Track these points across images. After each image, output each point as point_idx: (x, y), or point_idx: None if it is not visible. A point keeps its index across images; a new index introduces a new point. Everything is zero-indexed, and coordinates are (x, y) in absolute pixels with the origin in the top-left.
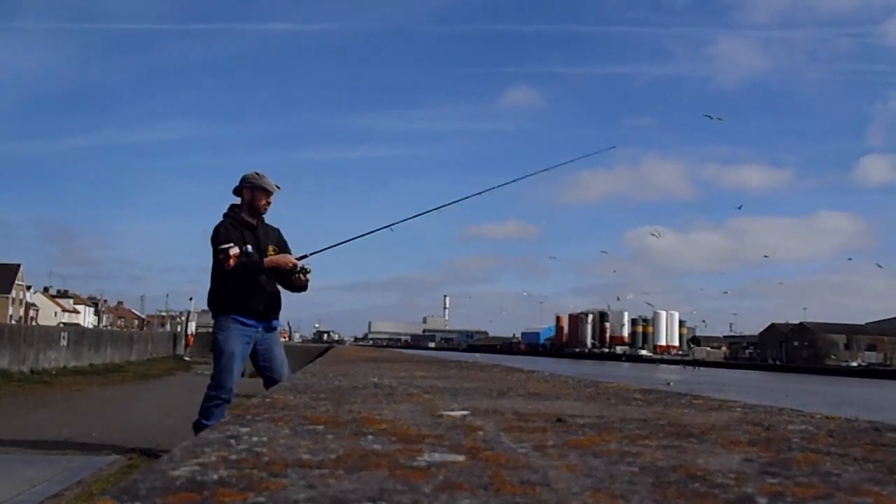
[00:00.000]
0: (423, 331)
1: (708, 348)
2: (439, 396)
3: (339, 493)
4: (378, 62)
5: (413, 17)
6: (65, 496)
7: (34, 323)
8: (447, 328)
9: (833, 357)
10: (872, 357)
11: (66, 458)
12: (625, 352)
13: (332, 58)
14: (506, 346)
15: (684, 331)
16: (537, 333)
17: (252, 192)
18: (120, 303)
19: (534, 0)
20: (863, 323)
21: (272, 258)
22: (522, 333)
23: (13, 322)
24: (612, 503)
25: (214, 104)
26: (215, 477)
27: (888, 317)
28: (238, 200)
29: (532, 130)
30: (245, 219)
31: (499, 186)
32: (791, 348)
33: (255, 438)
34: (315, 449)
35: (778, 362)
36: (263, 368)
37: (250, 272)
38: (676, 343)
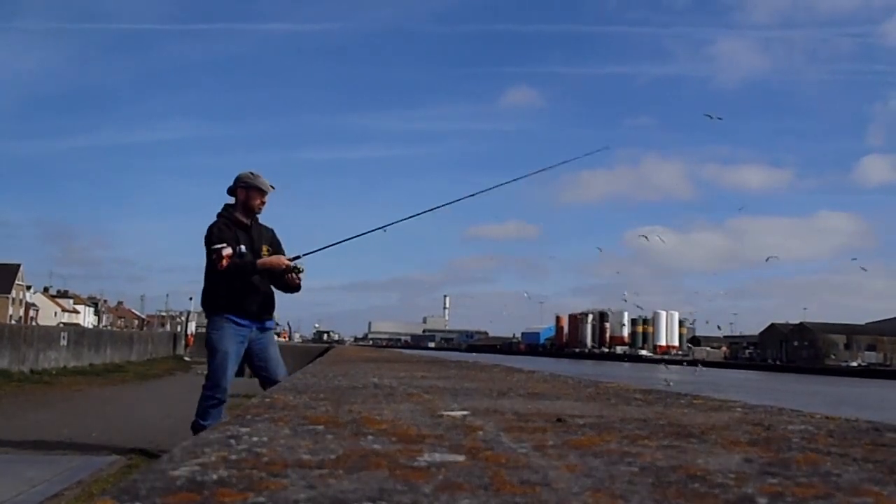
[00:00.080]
0: (423, 331)
1: (708, 348)
2: (439, 396)
3: (339, 493)
4: (378, 62)
5: (413, 17)
6: (65, 496)
7: (34, 323)
8: (447, 328)
9: (833, 357)
10: (872, 357)
11: (66, 458)
12: (625, 352)
13: (332, 58)
14: (506, 346)
15: (684, 331)
16: (537, 333)
17: (246, 191)
18: (120, 303)
19: (534, 0)
20: (863, 323)
21: (265, 260)
22: (522, 333)
23: (13, 322)
24: (612, 503)
25: (214, 104)
26: (215, 477)
27: (888, 317)
28: (232, 200)
29: (532, 130)
30: (239, 218)
31: (489, 189)
32: (791, 348)
33: (255, 438)
34: (315, 449)
35: (778, 362)
36: (259, 368)
37: (243, 273)
38: (676, 343)
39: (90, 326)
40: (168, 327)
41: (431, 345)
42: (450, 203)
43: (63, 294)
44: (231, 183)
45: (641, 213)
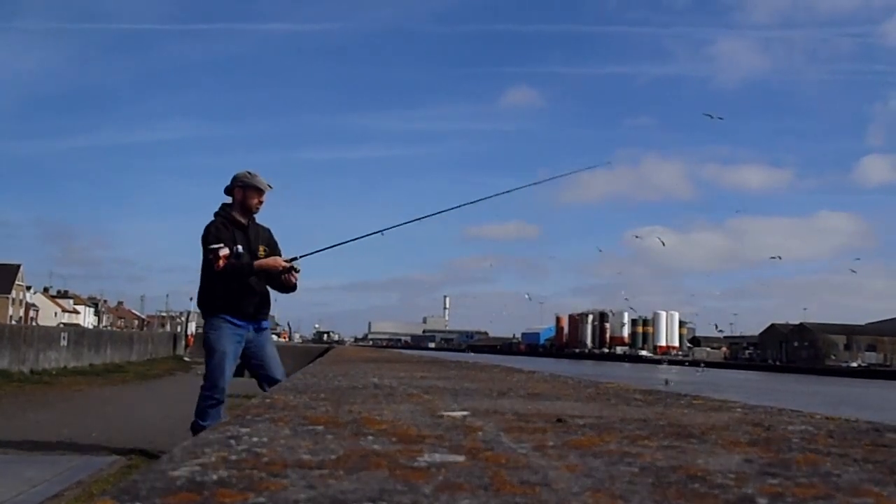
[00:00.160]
0: (423, 331)
1: (708, 349)
2: (439, 397)
3: (339, 493)
4: (378, 62)
5: (413, 17)
6: (65, 496)
7: (34, 323)
8: (447, 328)
9: (833, 357)
10: (872, 357)
11: (66, 458)
12: (625, 352)
13: (332, 58)
14: (506, 347)
15: (684, 331)
16: (537, 334)
17: (244, 191)
18: (120, 303)
19: (534, 0)
20: (863, 323)
21: (262, 262)
22: (522, 334)
23: (13, 322)
24: (612, 503)
25: (214, 104)
26: (215, 477)
27: (888, 317)
28: (229, 199)
29: (532, 130)
30: (236, 218)
31: (489, 198)
32: (791, 349)
33: (255, 439)
34: (315, 449)
35: (778, 363)
36: (257, 367)
37: (240, 274)
38: (676, 343)
39: (90, 327)
40: (168, 327)
41: (431, 345)
42: (448, 210)
43: (63, 294)
44: (229, 182)
45: (641, 213)
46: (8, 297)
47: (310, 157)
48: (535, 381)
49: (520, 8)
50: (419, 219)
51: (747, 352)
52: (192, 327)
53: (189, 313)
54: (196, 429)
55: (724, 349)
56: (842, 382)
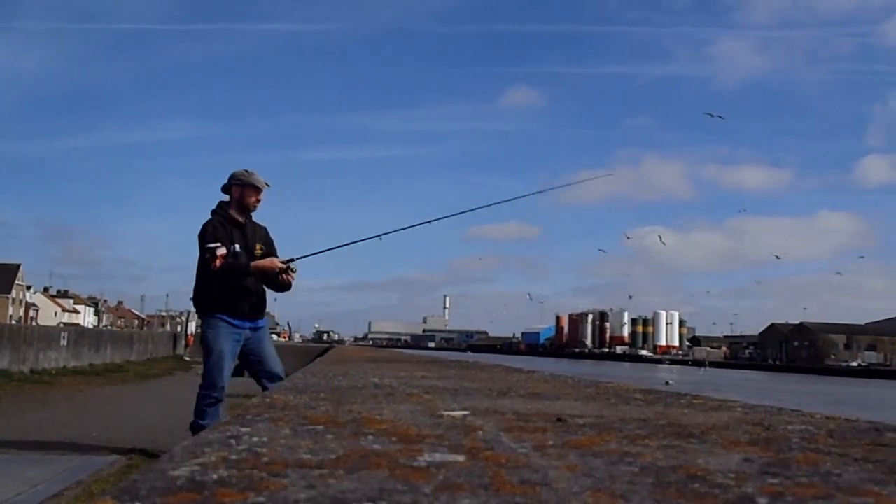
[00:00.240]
0: (423, 331)
1: (708, 348)
2: (439, 396)
3: (339, 493)
4: (378, 62)
5: (413, 17)
6: (65, 496)
7: (34, 323)
8: (447, 328)
9: (833, 357)
10: (872, 357)
11: (66, 458)
12: (625, 352)
13: (332, 58)
14: (506, 346)
15: (684, 331)
16: (537, 333)
17: (241, 189)
18: (120, 303)
19: (534, 0)
20: (863, 323)
21: (259, 263)
22: (522, 333)
23: (13, 322)
24: (612, 503)
25: (214, 104)
26: (215, 477)
27: (888, 317)
28: (227, 197)
29: (532, 130)
30: (234, 216)
31: (489, 206)
32: (791, 348)
33: (255, 438)
34: (315, 449)
35: (778, 362)
36: (256, 363)
37: (237, 275)
38: (676, 343)
39: (90, 326)
40: (168, 327)
41: (431, 345)
42: (447, 216)
43: (63, 294)
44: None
45: (641, 213)
46: (8, 297)
47: (310, 157)
48: (535, 381)
49: (520, 8)
50: (416, 225)
51: (747, 351)
52: (191, 327)
53: (189, 313)
54: (195, 428)
55: (724, 349)
56: (842, 382)
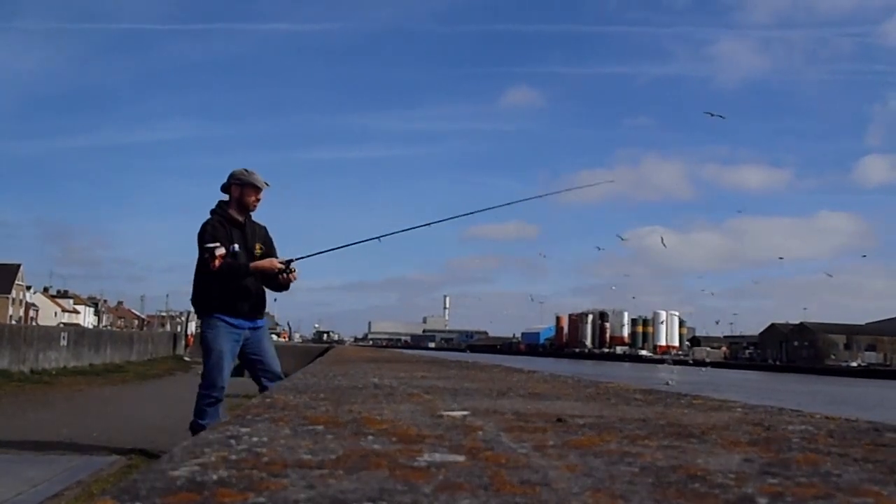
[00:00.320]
0: (423, 331)
1: (708, 348)
2: (439, 396)
3: (339, 493)
4: (378, 62)
5: (413, 17)
6: (65, 496)
7: (34, 323)
8: (447, 328)
9: (833, 357)
10: (872, 357)
11: (66, 458)
12: (625, 352)
13: (332, 58)
14: (506, 347)
15: (684, 331)
16: (537, 333)
17: (241, 188)
18: (120, 303)
19: (534, 0)
20: (863, 323)
21: (258, 263)
22: (522, 333)
23: (13, 322)
24: (612, 503)
25: (214, 104)
26: (215, 477)
27: (888, 317)
28: (226, 197)
29: (532, 130)
30: (233, 216)
31: (489, 209)
32: (791, 348)
33: (255, 438)
34: (315, 449)
35: (778, 362)
36: (255, 362)
37: (236, 275)
38: (676, 343)
39: (90, 326)
40: (168, 327)
41: (431, 345)
42: (447, 219)
43: (63, 294)
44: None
45: (641, 213)
46: (8, 297)
47: (310, 157)
48: (535, 381)
49: (520, 8)
50: (416, 227)
51: (747, 351)
52: (191, 327)
53: (189, 313)
54: (195, 428)
55: (724, 349)
56: (842, 382)
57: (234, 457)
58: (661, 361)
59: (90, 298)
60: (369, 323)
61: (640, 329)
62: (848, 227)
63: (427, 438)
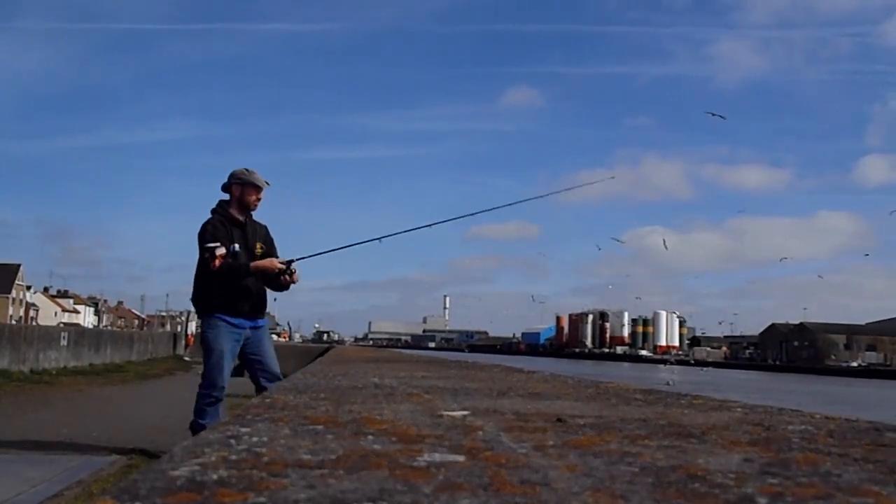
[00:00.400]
0: (424, 331)
1: (708, 348)
2: (439, 396)
3: (339, 493)
4: (378, 62)
5: (413, 17)
6: (65, 496)
7: (34, 323)
8: (447, 328)
9: (833, 357)
10: (872, 357)
11: (66, 458)
12: (625, 352)
13: (332, 58)
14: (506, 347)
15: (684, 331)
16: (537, 333)
17: (242, 188)
18: (120, 303)
19: (534, 0)
20: (863, 323)
21: (259, 263)
22: (522, 333)
23: (13, 322)
24: (612, 503)
25: (214, 104)
26: (215, 477)
27: (888, 317)
28: (227, 196)
29: (532, 130)
30: (234, 215)
31: (491, 210)
32: (791, 348)
33: (255, 438)
34: (315, 449)
35: (778, 362)
36: (255, 362)
37: (236, 275)
38: (676, 343)
39: (90, 326)
40: (168, 327)
41: (431, 345)
42: (449, 220)
43: (63, 294)
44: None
45: (641, 213)
46: (8, 297)
47: (310, 157)
48: (535, 381)
49: (520, 8)
50: (417, 228)
51: (747, 351)
52: (192, 327)
53: (189, 313)
54: (195, 428)
55: (724, 349)
56: (842, 382)
57: (234, 457)
58: (662, 361)
59: (90, 298)
60: (369, 323)
61: (640, 329)
62: (848, 227)
63: (427, 438)
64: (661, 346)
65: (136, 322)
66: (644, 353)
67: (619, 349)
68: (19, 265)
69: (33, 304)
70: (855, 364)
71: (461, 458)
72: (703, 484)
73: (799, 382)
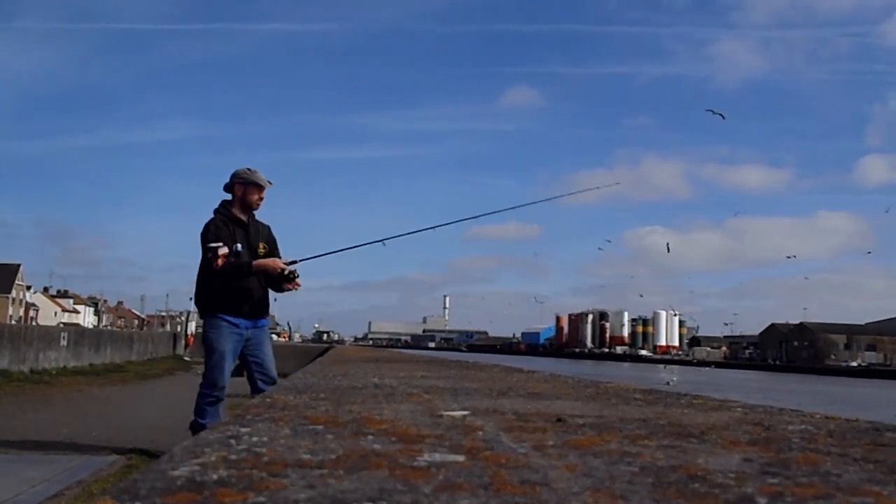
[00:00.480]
0: (423, 331)
1: (708, 348)
2: (439, 396)
3: (339, 493)
4: (378, 62)
5: (413, 17)
6: (65, 496)
7: (34, 323)
8: (447, 328)
9: (833, 357)
10: (872, 357)
11: (66, 458)
12: (625, 352)
13: (332, 58)
14: (506, 346)
15: (684, 331)
16: (537, 333)
17: (244, 187)
18: (120, 303)
19: (534, 0)
20: (863, 323)
21: (261, 262)
22: (522, 333)
23: (13, 322)
24: (612, 503)
25: (214, 104)
26: (215, 477)
27: (888, 317)
28: (229, 196)
29: (532, 130)
30: (236, 215)
31: (492, 213)
32: (791, 348)
33: (255, 438)
34: (315, 449)
35: (778, 362)
36: (253, 364)
37: (238, 274)
38: (676, 343)
39: (90, 326)
40: (168, 327)
41: (431, 345)
42: (450, 223)
43: (63, 294)
44: (228, 180)
45: (641, 213)
46: (8, 297)
47: (310, 157)
48: (535, 381)
49: (520, 8)
50: (420, 230)
51: (747, 351)
52: (192, 327)
53: (189, 313)
54: (195, 428)
55: (724, 349)
56: (842, 382)
57: (234, 457)
58: (663, 361)
59: (90, 298)
60: (369, 323)
61: (640, 329)
62: (848, 227)
63: (427, 438)
64: (660, 346)
65: (136, 322)
66: (644, 353)
67: (619, 349)
68: (19, 265)
69: (33, 304)
70: (855, 364)
71: (461, 458)
72: (703, 484)
73: (799, 382)
